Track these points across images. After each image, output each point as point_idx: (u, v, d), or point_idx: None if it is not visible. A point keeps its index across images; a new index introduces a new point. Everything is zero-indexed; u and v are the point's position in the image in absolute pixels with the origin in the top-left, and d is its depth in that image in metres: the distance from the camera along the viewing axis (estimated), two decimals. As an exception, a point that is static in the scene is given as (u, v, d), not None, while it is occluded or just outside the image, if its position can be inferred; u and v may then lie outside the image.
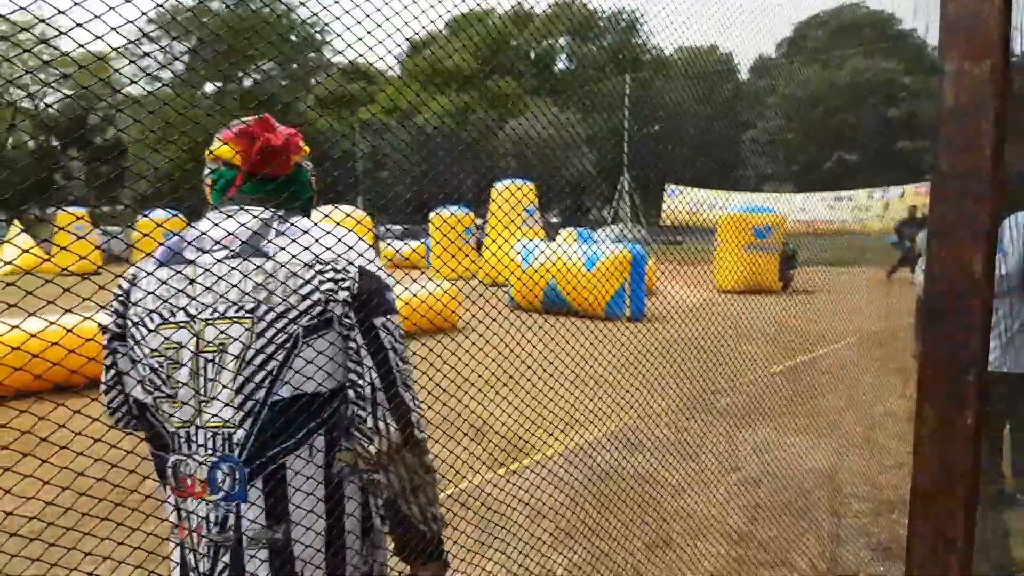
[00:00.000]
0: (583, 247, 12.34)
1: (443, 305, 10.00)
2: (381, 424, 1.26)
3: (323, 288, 1.29)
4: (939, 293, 1.04)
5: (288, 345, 1.26)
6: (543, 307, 12.43)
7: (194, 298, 1.28)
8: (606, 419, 5.72)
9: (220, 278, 1.28)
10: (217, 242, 1.28)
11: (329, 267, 1.31)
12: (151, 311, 1.30)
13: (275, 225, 1.35)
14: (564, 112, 24.97)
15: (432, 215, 19.36)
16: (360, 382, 1.27)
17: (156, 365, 1.28)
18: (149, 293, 1.30)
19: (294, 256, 1.31)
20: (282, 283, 1.28)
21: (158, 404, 1.29)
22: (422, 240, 26.24)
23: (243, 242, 1.31)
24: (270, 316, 1.27)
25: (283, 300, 1.28)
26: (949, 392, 1.03)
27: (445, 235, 18.17)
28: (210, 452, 1.26)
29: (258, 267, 1.29)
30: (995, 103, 0.99)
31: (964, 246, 1.02)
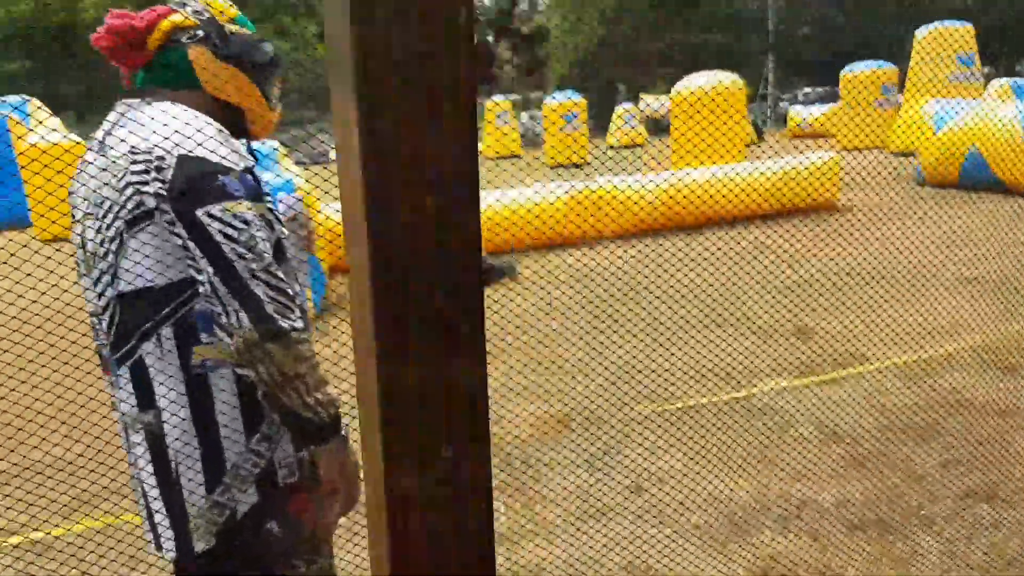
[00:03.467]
0: (1020, 105, 9.72)
1: (816, 180, 8.94)
2: (233, 320, 1.21)
3: (134, 180, 1.26)
4: None
5: (117, 240, 1.29)
6: (960, 181, 10.31)
7: (77, 198, 1.38)
8: (977, 330, 4.62)
9: (76, 181, 1.37)
10: (91, 142, 1.35)
11: (143, 156, 1.26)
12: (72, 209, 1.43)
13: (125, 117, 1.34)
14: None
15: (844, 73, 17.11)
16: (200, 277, 1.23)
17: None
18: (69, 193, 1.43)
19: (118, 149, 1.29)
20: (111, 178, 1.29)
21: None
22: (834, 104, 23.64)
23: (99, 140, 1.35)
24: (104, 212, 1.30)
25: (110, 196, 1.29)
26: None
27: (857, 100, 15.94)
28: (99, 339, 1.39)
29: (100, 164, 1.32)
30: None
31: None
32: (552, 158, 19.24)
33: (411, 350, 0.60)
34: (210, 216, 1.21)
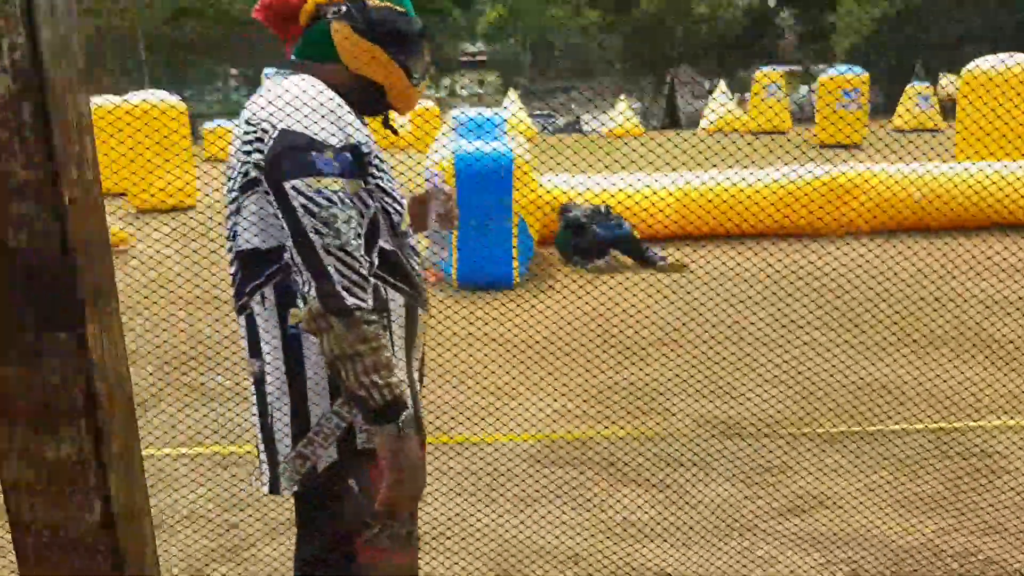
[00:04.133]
0: None
1: None
2: (306, 289, 1.28)
3: (244, 149, 1.34)
4: None
5: (235, 202, 1.38)
6: None
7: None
8: None
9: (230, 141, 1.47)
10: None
11: (255, 127, 1.33)
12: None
13: (262, 86, 1.41)
14: None
15: None
16: (287, 244, 1.30)
17: None
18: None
19: (243, 117, 1.37)
20: (235, 144, 1.38)
21: None
22: None
23: (243, 107, 1.43)
24: (231, 174, 1.39)
25: (234, 160, 1.38)
26: None
27: None
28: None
29: (235, 130, 1.41)
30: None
31: None
32: (820, 138, 17.70)
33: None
34: (295, 190, 1.27)
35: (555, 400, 3.88)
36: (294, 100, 1.32)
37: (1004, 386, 3.79)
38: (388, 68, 1.47)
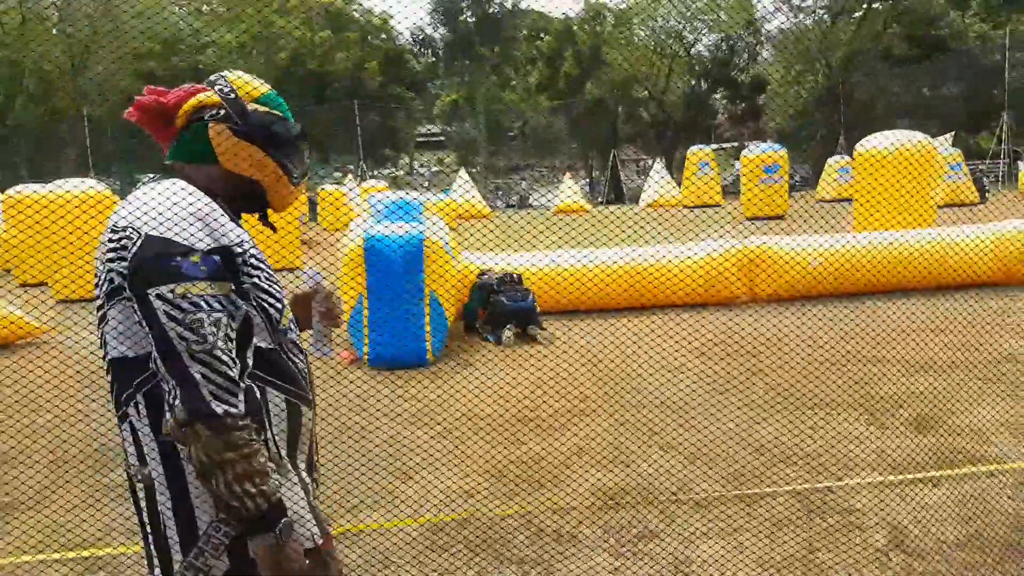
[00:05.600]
0: None
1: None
2: (170, 397, 1.25)
3: (107, 257, 1.33)
4: None
5: (102, 310, 1.37)
6: None
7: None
8: None
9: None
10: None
11: (118, 235, 1.33)
12: None
13: (132, 192, 1.41)
14: None
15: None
16: (153, 352, 1.28)
17: None
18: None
19: (108, 224, 1.37)
20: (99, 251, 1.37)
21: None
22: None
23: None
24: (97, 282, 1.38)
25: (99, 267, 1.37)
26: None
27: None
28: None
29: (102, 237, 1.39)
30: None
31: None
32: (748, 211, 18.51)
33: None
34: (160, 297, 1.26)
35: (455, 479, 3.93)
36: (159, 205, 1.33)
37: (873, 443, 3.99)
38: (266, 168, 1.51)
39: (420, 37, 46.93)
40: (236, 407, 1.26)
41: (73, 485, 4.05)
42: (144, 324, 1.29)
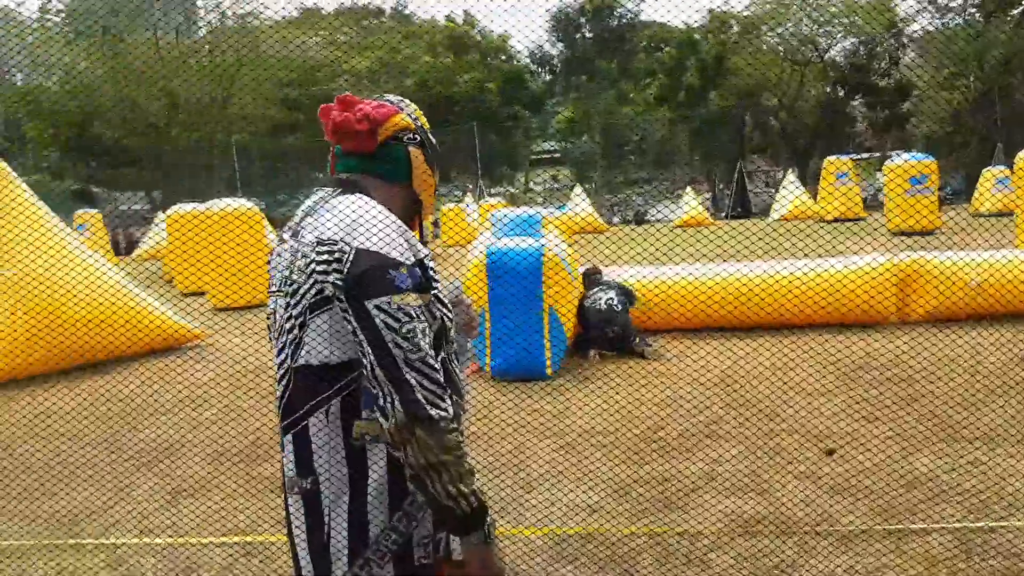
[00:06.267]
0: None
1: None
2: (388, 403, 1.31)
3: (318, 268, 1.38)
4: None
5: (301, 319, 1.41)
6: None
7: (274, 272, 1.53)
8: None
9: (274, 257, 1.53)
10: (289, 223, 1.51)
11: (327, 247, 1.38)
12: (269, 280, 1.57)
13: (320, 206, 1.47)
14: None
15: None
16: (364, 360, 1.33)
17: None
18: (268, 266, 1.59)
19: (309, 237, 1.42)
20: (300, 262, 1.41)
21: None
22: None
23: (297, 222, 1.49)
24: (293, 291, 1.42)
25: (297, 278, 1.41)
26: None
27: None
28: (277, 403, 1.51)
29: (291, 247, 1.46)
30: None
31: None
32: (893, 224, 17.29)
33: None
34: (377, 308, 1.32)
35: (578, 493, 3.88)
36: (365, 221, 1.40)
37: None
38: (433, 188, 1.64)
39: (538, 55, 47.54)
40: (447, 411, 1.33)
41: (231, 476, 4.36)
42: (358, 333, 1.34)
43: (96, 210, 27.15)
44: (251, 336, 8.68)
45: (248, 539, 3.54)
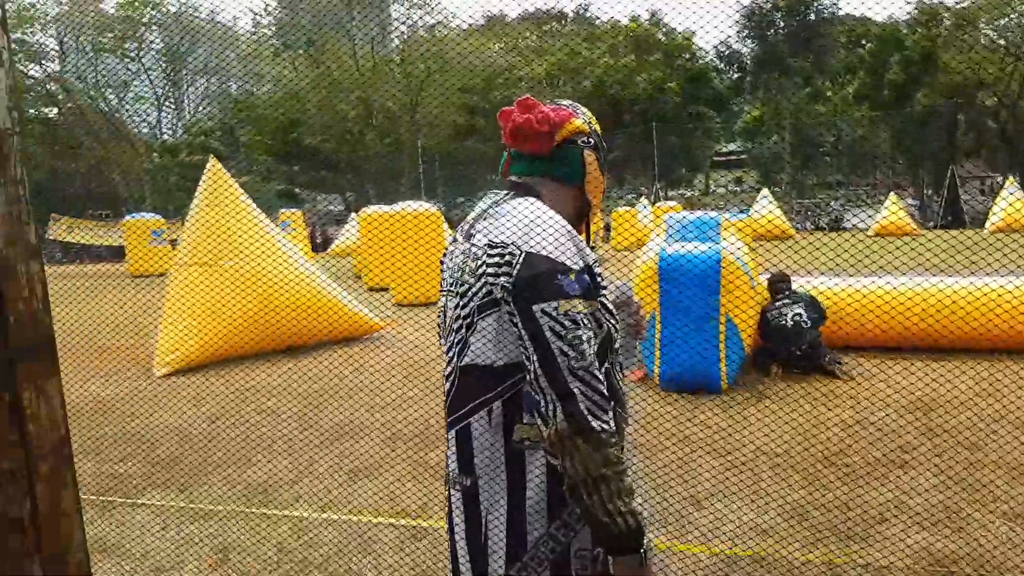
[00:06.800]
0: None
1: None
2: (549, 410, 1.28)
3: (489, 271, 1.38)
4: None
5: (469, 319, 1.41)
6: None
7: (445, 272, 1.56)
8: None
9: (447, 257, 1.57)
10: (463, 224, 1.53)
11: (498, 251, 1.37)
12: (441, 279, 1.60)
13: (493, 209, 1.47)
14: None
15: None
16: (528, 365, 1.32)
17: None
18: (441, 265, 1.61)
19: (481, 240, 1.43)
20: (471, 264, 1.42)
21: None
22: None
23: (470, 225, 1.50)
24: (463, 292, 1.43)
25: (468, 279, 1.42)
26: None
27: None
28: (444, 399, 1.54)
29: (464, 249, 1.47)
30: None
31: None
32: None
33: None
34: (544, 313, 1.30)
35: (749, 514, 3.68)
36: (536, 225, 1.39)
37: None
38: (602, 192, 1.62)
39: (725, 53, 45.86)
40: (609, 424, 1.29)
41: (402, 459, 4.61)
42: (524, 337, 1.32)
43: (297, 209, 29.81)
44: (426, 331, 9.18)
45: (417, 522, 3.70)
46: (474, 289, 1.40)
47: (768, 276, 6.72)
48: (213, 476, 4.53)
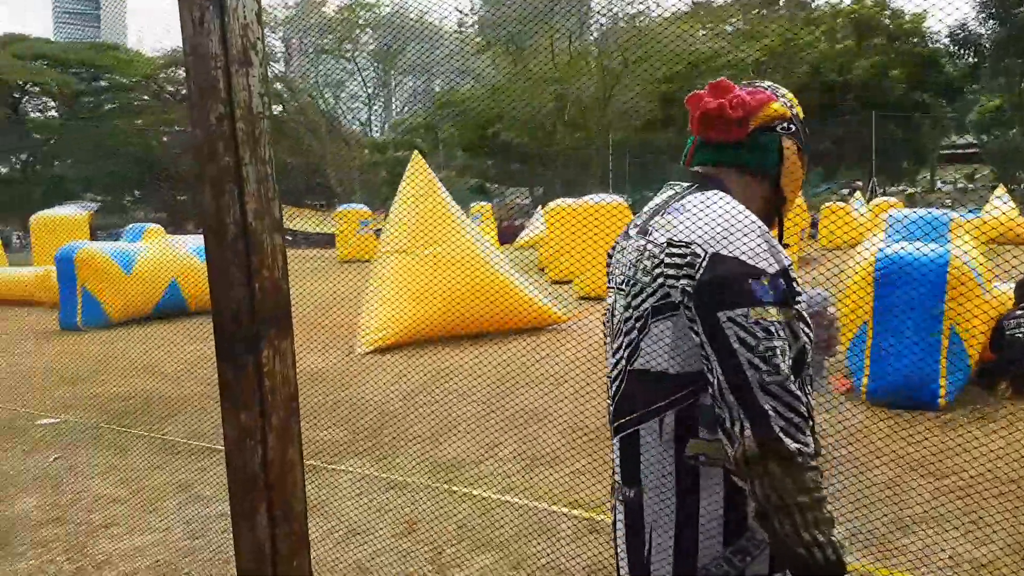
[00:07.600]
0: None
1: None
2: (736, 428, 1.16)
3: (668, 272, 1.25)
4: None
5: (642, 322, 1.31)
6: None
7: (615, 267, 1.46)
8: None
9: (616, 252, 1.47)
10: (636, 218, 1.42)
11: (678, 251, 1.25)
12: (608, 274, 1.50)
13: (673, 202, 1.34)
14: None
15: None
16: (710, 377, 1.20)
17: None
18: (608, 259, 1.52)
19: (658, 237, 1.30)
20: (646, 262, 1.31)
21: None
22: None
23: (646, 219, 1.37)
24: (636, 291, 1.32)
25: (643, 279, 1.31)
26: None
27: None
28: (608, 402, 1.44)
29: (639, 245, 1.35)
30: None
31: None
32: None
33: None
34: (731, 320, 1.17)
35: (968, 545, 3.28)
36: (723, 221, 1.25)
37: None
38: (800, 184, 1.44)
39: (960, 36, 41.06)
40: (808, 446, 1.16)
41: (581, 451, 4.62)
42: (706, 347, 1.20)
43: (487, 202, 30.87)
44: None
45: (592, 515, 3.68)
46: (649, 290, 1.30)
47: (1016, 282, 5.92)
48: (407, 450, 4.81)
